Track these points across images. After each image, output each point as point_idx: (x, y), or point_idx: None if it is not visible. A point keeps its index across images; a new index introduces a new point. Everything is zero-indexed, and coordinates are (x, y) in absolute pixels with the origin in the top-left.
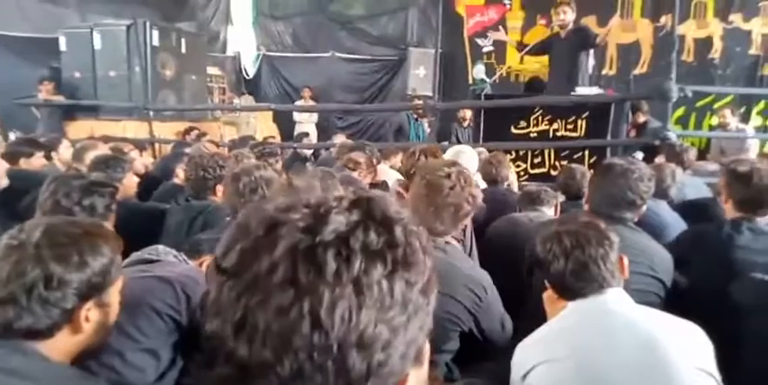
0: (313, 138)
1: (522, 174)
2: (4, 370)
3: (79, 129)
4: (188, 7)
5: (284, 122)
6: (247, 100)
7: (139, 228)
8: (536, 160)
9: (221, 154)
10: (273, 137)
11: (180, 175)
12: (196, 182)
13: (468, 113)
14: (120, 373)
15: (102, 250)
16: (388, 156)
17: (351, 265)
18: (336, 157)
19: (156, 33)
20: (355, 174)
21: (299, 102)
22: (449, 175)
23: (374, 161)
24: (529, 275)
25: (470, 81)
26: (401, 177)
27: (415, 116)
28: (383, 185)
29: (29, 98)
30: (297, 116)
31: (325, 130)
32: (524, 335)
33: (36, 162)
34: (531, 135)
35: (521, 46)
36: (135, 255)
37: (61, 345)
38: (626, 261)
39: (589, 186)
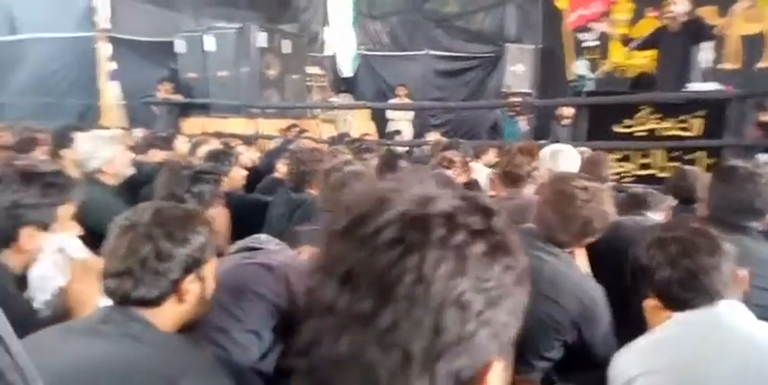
0: (407, 135)
1: (626, 175)
2: (127, 335)
3: (192, 125)
4: (291, 9)
5: (379, 120)
6: (345, 98)
7: (244, 218)
8: (642, 161)
9: (319, 149)
10: (369, 134)
11: (281, 170)
12: (296, 175)
13: (568, 111)
14: (228, 350)
15: (199, 229)
16: (481, 153)
17: (455, 235)
18: (430, 155)
19: (262, 35)
20: (450, 173)
21: (393, 100)
22: (585, 188)
23: (468, 160)
24: (632, 281)
25: (571, 77)
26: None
27: (511, 114)
28: (475, 184)
29: (150, 97)
30: (390, 114)
31: (419, 128)
32: (624, 342)
33: (156, 155)
34: (637, 134)
35: (626, 40)
36: (240, 243)
37: (168, 314)
38: (745, 273)
39: (708, 191)
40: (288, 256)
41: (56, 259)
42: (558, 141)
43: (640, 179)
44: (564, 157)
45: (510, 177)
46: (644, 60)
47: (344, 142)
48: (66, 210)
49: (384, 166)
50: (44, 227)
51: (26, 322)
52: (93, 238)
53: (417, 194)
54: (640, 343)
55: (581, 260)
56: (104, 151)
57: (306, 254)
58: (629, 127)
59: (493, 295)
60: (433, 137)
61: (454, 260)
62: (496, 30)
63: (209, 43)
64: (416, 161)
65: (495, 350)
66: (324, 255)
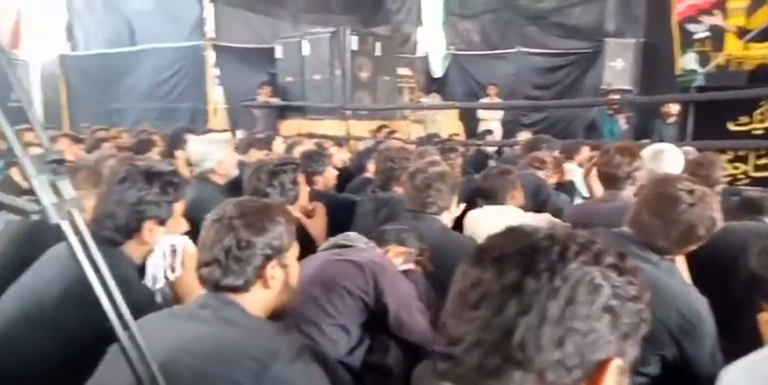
0: (497, 135)
1: (741, 177)
2: (222, 319)
3: (289, 127)
4: (383, 12)
5: (469, 120)
6: (434, 99)
7: (335, 216)
8: (760, 161)
9: (407, 148)
10: (458, 134)
11: (370, 170)
12: (383, 174)
13: (674, 108)
14: (318, 342)
15: (277, 219)
16: (573, 153)
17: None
18: (520, 155)
19: (354, 39)
20: (541, 174)
21: (483, 100)
22: (691, 191)
23: (561, 160)
24: (744, 292)
25: (678, 72)
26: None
27: (610, 112)
28: (569, 185)
29: (250, 101)
30: (481, 113)
31: (510, 128)
32: (732, 358)
33: (255, 156)
34: (755, 132)
35: (743, 31)
36: (331, 240)
37: (257, 300)
38: None
39: None
40: (376, 255)
41: (166, 252)
42: (662, 140)
43: (757, 181)
44: (667, 158)
45: (607, 178)
46: (764, 51)
47: (433, 142)
48: (180, 207)
49: (469, 167)
50: (162, 222)
51: (145, 307)
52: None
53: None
54: (752, 359)
55: (682, 268)
56: (217, 153)
57: (392, 253)
58: (746, 124)
59: (620, 290)
60: (524, 136)
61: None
62: (595, 24)
63: (306, 48)
64: (506, 161)
65: (614, 346)
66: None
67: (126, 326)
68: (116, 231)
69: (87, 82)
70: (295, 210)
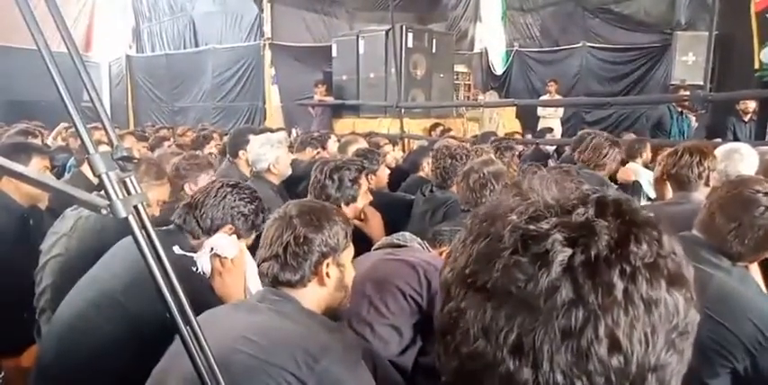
0: (557, 133)
1: None
2: (280, 312)
3: (343, 125)
4: (440, 8)
5: (528, 118)
6: (491, 96)
7: (389, 215)
8: None
9: (464, 148)
10: (516, 132)
11: (425, 169)
12: (439, 174)
13: (751, 105)
14: (370, 341)
15: (334, 218)
16: (637, 152)
17: (637, 283)
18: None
19: (410, 36)
20: (603, 174)
21: (543, 97)
22: None
23: (624, 159)
24: None
25: (757, 66)
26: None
27: (680, 109)
28: (636, 186)
29: (306, 99)
30: (541, 111)
31: (571, 126)
32: None
33: (310, 154)
34: None
35: None
36: (385, 239)
37: (312, 296)
38: None
39: None
40: (431, 256)
41: (206, 252)
42: (736, 139)
43: None
44: (742, 158)
45: (677, 180)
46: None
47: (489, 141)
48: (254, 235)
49: (527, 166)
50: (238, 234)
51: (206, 296)
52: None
53: (566, 223)
54: None
55: (757, 276)
56: (271, 154)
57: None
58: None
59: (685, 345)
60: None
61: (645, 316)
62: (665, 17)
63: (361, 46)
64: (566, 161)
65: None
66: (476, 314)
67: (187, 320)
68: (199, 224)
69: (152, 82)
70: (349, 213)
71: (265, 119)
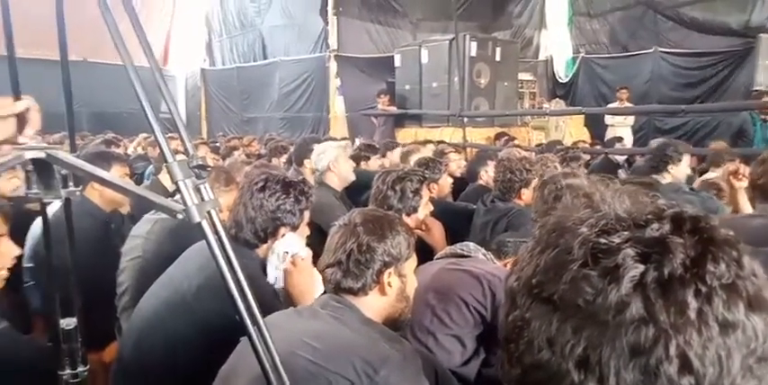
0: (628, 142)
1: None
2: (340, 320)
3: (406, 135)
4: (504, 16)
5: (597, 126)
6: (557, 104)
7: (450, 224)
8: None
9: (529, 158)
10: (583, 141)
11: (483, 177)
12: (503, 183)
13: None
14: (432, 351)
15: (397, 228)
16: (718, 163)
17: (713, 304)
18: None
19: (474, 44)
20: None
21: (613, 105)
22: None
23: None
24: None
25: None
26: None
27: (763, 117)
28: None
29: (370, 109)
30: (610, 119)
31: (643, 135)
32: None
33: (373, 163)
34: None
35: None
36: (449, 249)
37: (373, 305)
38: None
39: None
40: (495, 268)
41: (280, 256)
42: None
43: None
44: None
45: (763, 191)
46: None
47: (555, 150)
48: (308, 214)
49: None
50: (295, 228)
51: (271, 303)
52: (321, 235)
53: (639, 238)
54: None
55: None
56: (331, 152)
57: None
58: None
59: (763, 371)
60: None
61: (719, 337)
62: (744, 18)
63: (424, 56)
64: (637, 172)
65: None
66: (541, 325)
67: (255, 321)
68: (254, 235)
69: (224, 94)
70: (411, 223)
71: (329, 129)
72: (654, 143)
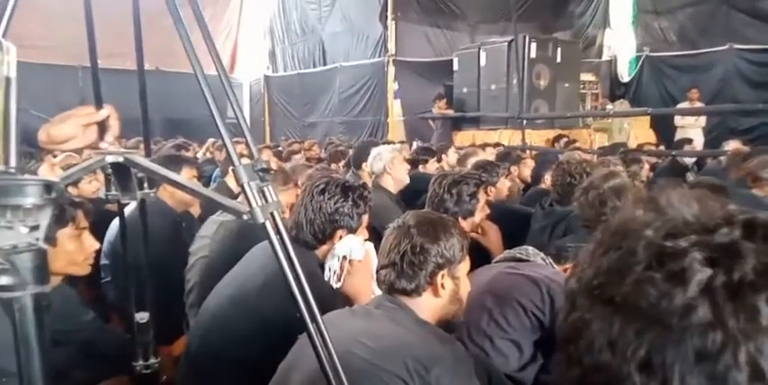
0: (698, 144)
1: None
2: (394, 320)
3: (463, 138)
4: (565, 16)
5: (664, 128)
6: (622, 105)
7: (507, 228)
8: None
9: (589, 161)
10: (649, 143)
11: (547, 181)
12: (562, 187)
13: None
14: (488, 355)
15: (451, 231)
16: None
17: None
18: (726, 168)
19: (533, 46)
20: (756, 192)
21: (682, 105)
22: None
23: None
24: None
25: None
26: None
27: None
28: None
29: (427, 113)
30: (680, 120)
31: (715, 136)
32: None
33: (430, 167)
34: None
35: None
36: (507, 253)
37: (426, 306)
38: None
39: None
40: (554, 273)
41: (339, 258)
42: None
43: None
44: None
45: None
46: None
47: (618, 152)
48: (366, 218)
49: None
50: (353, 231)
51: (329, 302)
52: (376, 237)
53: (708, 242)
54: None
55: None
56: (387, 154)
57: (571, 271)
58: None
59: None
60: (732, 146)
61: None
62: None
63: (483, 58)
64: (708, 174)
65: None
66: (602, 326)
67: (314, 319)
68: (313, 236)
69: (286, 99)
70: (466, 226)
71: (388, 132)
72: (726, 145)
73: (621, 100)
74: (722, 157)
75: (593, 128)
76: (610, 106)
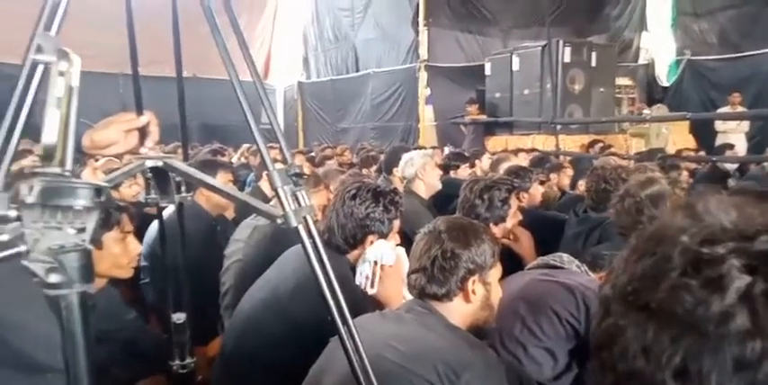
0: (740, 150)
1: None
2: (424, 324)
3: (496, 143)
4: (601, 19)
5: (704, 133)
6: (659, 110)
7: (539, 234)
8: None
9: (625, 167)
10: (689, 149)
11: (581, 188)
12: (596, 193)
13: None
14: (521, 362)
15: (481, 237)
16: None
17: None
18: None
19: (567, 50)
20: None
21: (723, 109)
22: None
23: None
24: None
25: None
26: None
27: None
28: None
29: (459, 118)
30: (721, 125)
31: (758, 141)
32: None
33: (462, 172)
34: None
35: None
36: (541, 260)
37: (457, 311)
38: None
39: None
40: (589, 280)
41: (370, 263)
42: None
43: None
44: None
45: None
46: None
47: (656, 158)
48: (397, 223)
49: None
50: (384, 236)
51: (360, 306)
52: (407, 242)
53: (746, 249)
54: None
55: None
56: (418, 159)
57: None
58: None
59: None
60: None
61: None
62: None
63: (515, 63)
64: (750, 178)
65: None
66: (636, 332)
67: (345, 322)
68: (344, 240)
69: (319, 105)
70: (498, 232)
71: (419, 137)
72: None
73: (659, 104)
74: (765, 163)
75: (629, 133)
76: (647, 111)
